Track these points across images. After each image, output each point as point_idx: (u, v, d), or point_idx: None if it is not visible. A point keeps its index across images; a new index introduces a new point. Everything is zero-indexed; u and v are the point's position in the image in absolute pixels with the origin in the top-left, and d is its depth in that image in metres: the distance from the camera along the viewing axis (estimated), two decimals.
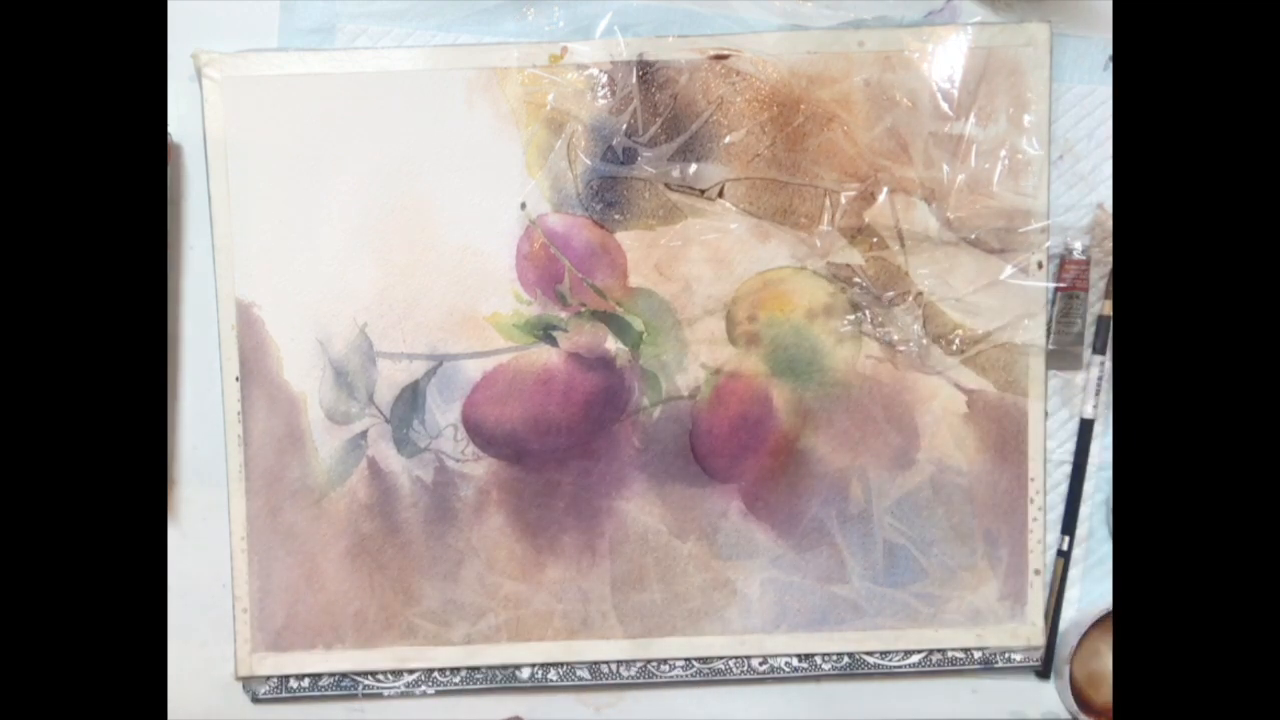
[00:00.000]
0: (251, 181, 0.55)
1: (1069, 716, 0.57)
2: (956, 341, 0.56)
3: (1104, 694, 0.56)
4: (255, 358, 0.56)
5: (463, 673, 0.57)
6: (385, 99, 0.55)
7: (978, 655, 0.58)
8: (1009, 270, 0.56)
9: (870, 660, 0.58)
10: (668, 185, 0.56)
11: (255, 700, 0.58)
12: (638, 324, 0.56)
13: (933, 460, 0.56)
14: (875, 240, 0.56)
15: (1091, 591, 0.58)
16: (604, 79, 0.55)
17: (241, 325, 0.56)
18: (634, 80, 0.55)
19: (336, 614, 0.57)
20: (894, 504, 0.57)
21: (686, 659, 0.57)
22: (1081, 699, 0.56)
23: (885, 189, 0.55)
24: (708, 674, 0.58)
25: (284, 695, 0.57)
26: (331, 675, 0.57)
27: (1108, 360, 0.56)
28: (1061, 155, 0.56)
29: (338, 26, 0.56)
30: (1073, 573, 0.58)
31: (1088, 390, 0.57)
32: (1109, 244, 0.56)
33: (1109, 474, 0.57)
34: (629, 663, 0.57)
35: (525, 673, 0.58)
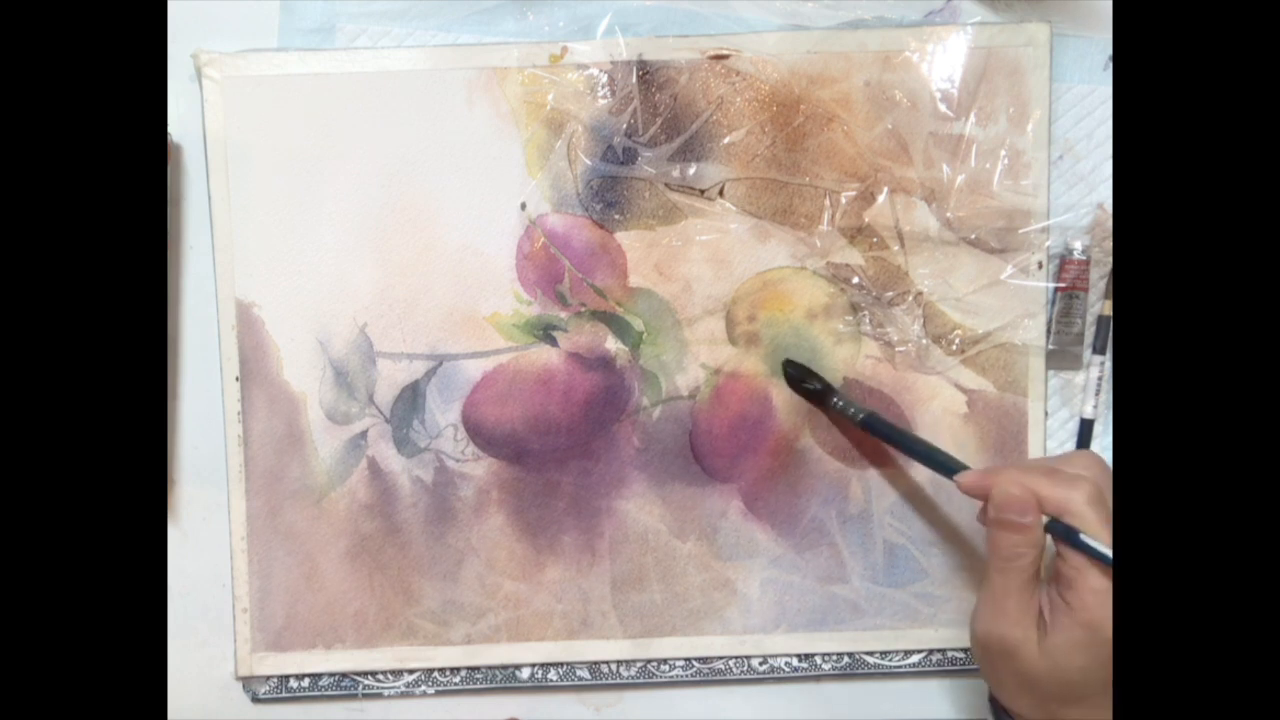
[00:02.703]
0: (251, 181, 0.55)
1: None
2: (956, 341, 0.56)
3: None
4: (255, 358, 0.56)
5: (463, 673, 0.57)
6: (385, 99, 0.55)
7: None
8: (1009, 270, 0.56)
9: (870, 660, 0.58)
10: (668, 185, 0.56)
11: (255, 700, 0.58)
12: (638, 324, 0.56)
13: None
14: (875, 240, 0.56)
15: None
16: (604, 79, 0.55)
17: (241, 325, 0.56)
18: (634, 80, 0.55)
19: (336, 614, 0.57)
20: (894, 504, 0.57)
21: (686, 659, 0.57)
22: None
23: (885, 189, 0.56)
24: (708, 674, 0.58)
25: (284, 695, 0.57)
26: (331, 675, 0.57)
27: (1108, 360, 0.57)
28: (1061, 155, 0.56)
29: (338, 26, 0.56)
30: None
31: (1088, 390, 0.57)
32: (1109, 244, 0.56)
33: None
34: (629, 663, 0.57)
35: (525, 673, 0.58)
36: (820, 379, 0.56)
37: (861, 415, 0.54)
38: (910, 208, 0.56)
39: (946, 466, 0.51)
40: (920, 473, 0.57)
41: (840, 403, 0.55)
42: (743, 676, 0.58)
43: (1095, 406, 0.57)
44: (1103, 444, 0.57)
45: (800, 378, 0.56)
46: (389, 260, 0.56)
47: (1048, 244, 0.56)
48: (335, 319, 0.56)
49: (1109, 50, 0.56)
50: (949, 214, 0.55)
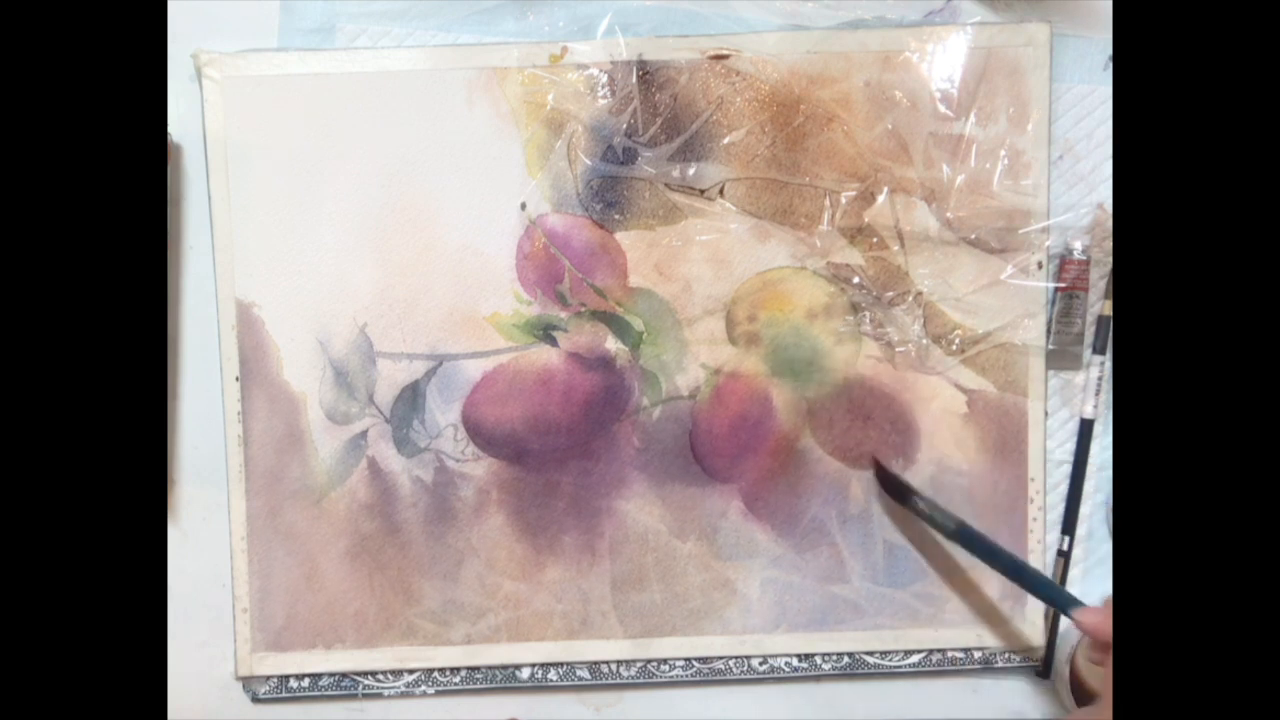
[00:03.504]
0: (251, 181, 0.55)
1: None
2: (956, 341, 0.56)
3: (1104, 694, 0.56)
4: (255, 358, 0.56)
5: (463, 673, 0.57)
6: (385, 99, 0.55)
7: (978, 655, 0.58)
8: (1009, 270, 0.56)
9: (870, 660, 0.58)
10: (668, 185, 0.56)
11: (255, 700, 0.58)
12: (638, 324, 0.56)
13: (933, 460, 0.56)
14: (875, 240, 0.56)
15: (1091, 591, 0.58)
16: (604, 79, 0.55)
17: (241, 325, 0.56)
18: (634, 80, 0.55)
19: (336, 614, 0.57)
20: (894, 504, 0.57)
21: (686, 659, 0.57)
22: (1082, 699, 0.56)
23: (885, 189, 0.56)
24: (708, 674, 0.58)
25: (284, 695, 0.57)
26: (331, 675, 0.57)
27: (1108, 360, 0.57)
28: (1061, 155, 0.56)
29: (338, 26, 0.56)
30: (1073, 573, 0.58)
31: (1088, 390, 0.57)
32: (1109, 244, 0.56)
33: (1109, 474, 0.57)
34: (629, 663, 0.57)
35: (525, 673, 0.58)
36: (905, 482, 0.55)
37: (952, 526, 0.53)
38: (910, 208, 0.56)
39: (1056, 600, 0.50)
40: (920, 473, 0.57)
41: (924, 508, 0.54)
42: (743, 676, 0.58)
43: (1095, 406, 0.57)
44: (1103, 444, 0.57)
45: (886, 474, 0.56)
46: (389, 260, 0.56)
47: (1048, 244, 0.56)
48: (335, 319, 0.56)
49: (1109, 50, 0.56)
50: (949, 214, 0.55)
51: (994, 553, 0.53)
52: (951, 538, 0.54)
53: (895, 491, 0.56)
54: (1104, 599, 0.49)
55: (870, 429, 0.57)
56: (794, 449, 0.57)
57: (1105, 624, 0.46)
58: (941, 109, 0.55)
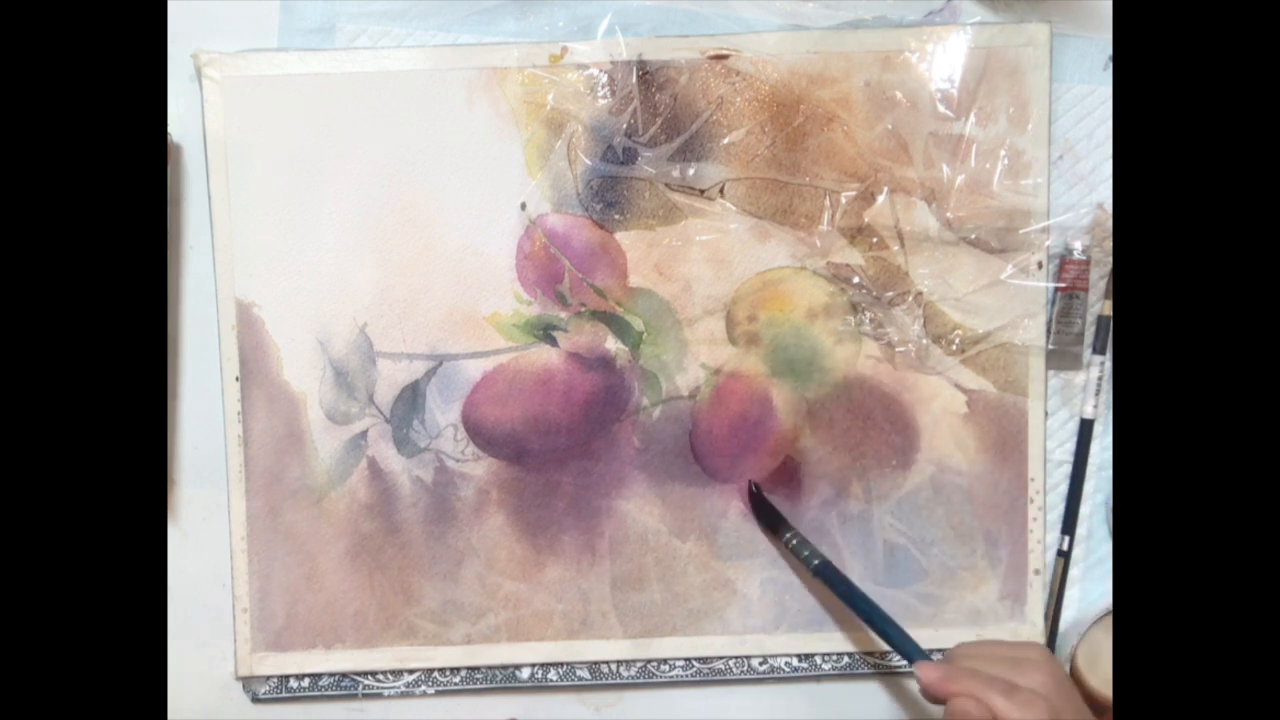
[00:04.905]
0: (251, 181, 0.55)
1: None
2: (956, 341, 0.56)
3: (1104, 694, 0.56)
4: (255, 358, 0.56)
5: (463, 673, 0.57)
6: (385, 99, 0.55)
7: None
8: (1009, 270, 0.56)
9: (870, 660, 0.58)
10: (668, 185, 0.56)
11: (255, 700, 0.58)
12: (638, 324, 0.56)
13: (933, 460, 0.56)
14: (875, 240, 0.56)
15: (1091, 591, 0.58)
16: (604, 79, 0.55)
17: (241, 325, 0.56)
18: (634, 80, 0.55)
19: (336, 614, 0.57)
20: (894, 504, 0.57)
21: (686, 659, 0.57)
22: (1082, 699, 0.56)
23: (885, 189, 0.56)
24: (708, 674, 0.58)
25: (284, 695, 0.57)
26: (331, 675, 0.57)
27: (1108, 360, 0.57)
28: (1061, 155, 0.56)
29: (338, 26, 0.56)
30: (1073, 573, 0.58)
31: (1088, 390, 0.57)
32: (1109, 244, 0.56)
33: (1109, 474, 0.57)
34: (629, 663, 0.57)
35: (525, 673, 0.58)
36: (779, 514, 0.55)
37: (816, 562, 0.54)
38: (910, 208, 0.56)
39: (903, 648, 0.50)
40: (920, 473, 0.57)
41: (794, 541, 0.55)
42: (743, 676, 0.58)
43: (1095, 406, 0.57)
44: (1103, 444, 0.57)
45: (761, 502, 0.56)
46: (389, 260, 0.56)
47: (1048, 244, 0.56)
48: (335, 319, 0.56)
49: (1109, 50, 0.56)
50: (949, 214, 0.55)
51: (853, 595, 0.53)
52: (816, 574, 0.54)
53: (767, 521, 0.56)
54: (948, 653, 0.49)
55: (870, 429, 0.57)
56: (794, 449, 0.57)
57: (942, 682, 0.47)
58: (941, 109, 0.55)
